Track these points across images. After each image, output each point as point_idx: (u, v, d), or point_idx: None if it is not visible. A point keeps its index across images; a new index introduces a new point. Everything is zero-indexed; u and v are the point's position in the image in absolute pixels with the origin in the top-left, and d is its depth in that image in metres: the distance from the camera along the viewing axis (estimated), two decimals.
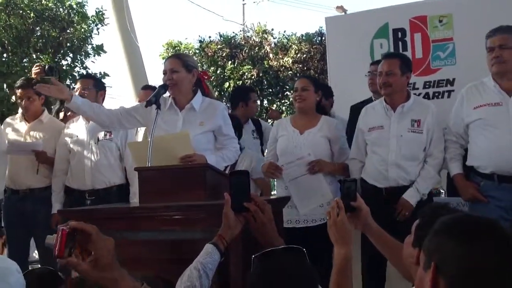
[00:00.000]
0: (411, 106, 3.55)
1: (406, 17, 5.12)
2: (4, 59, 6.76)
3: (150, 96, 3.27)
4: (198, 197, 2.63)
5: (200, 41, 11.10)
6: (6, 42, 6.64)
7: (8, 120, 4.61)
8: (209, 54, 10.84)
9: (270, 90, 10.78)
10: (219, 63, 10.76)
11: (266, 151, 4.17)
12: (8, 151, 4.32)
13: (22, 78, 5.04)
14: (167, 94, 3.37)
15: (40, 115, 4.50)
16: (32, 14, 6.94)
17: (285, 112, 10.39)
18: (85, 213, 2.92)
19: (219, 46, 10.85)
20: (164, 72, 3.32)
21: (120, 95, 10.27)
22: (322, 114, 3.92)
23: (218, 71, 10.69)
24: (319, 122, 3.82)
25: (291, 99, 10.38)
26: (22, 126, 4.47)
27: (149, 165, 2.94)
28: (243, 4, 23.81)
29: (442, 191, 4.51)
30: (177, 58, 3.44)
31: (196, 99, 3.36)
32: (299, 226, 3.71)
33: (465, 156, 3.51)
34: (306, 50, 10.39)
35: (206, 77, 3.67)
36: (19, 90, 4.43)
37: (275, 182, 6.68)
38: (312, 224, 3.69)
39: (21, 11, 6.89)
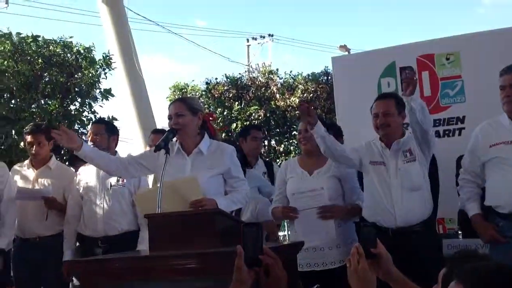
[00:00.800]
0: (404, 142, 3.53)
1: (413, 55, 5.12)
2: (12, 105, 6.80)
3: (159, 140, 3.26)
4: (209, 243, 2.57)
5: (207, 83, 11.19)
6: (14, 88, 6.70)
7: (16, 167, 4.59)
8: (216, 95, 10.90)
9: (278, 130, 10.79)
10: (226, 104, 10.82)
11: (274, 193, 4.09)
12: (17, 198, 4.29)
13: (31, 123, 5.05)
14: (174, 139, 3.34)
15: (48, 161, 4.48)
16: (40, 60, 7.02)
17: (292, 152, 10.36)
18: (95, 264, 2.86)
19: (225, 88, 10.93)
20: (170, 117, 3.29)
21: (131, 138, 10.28)
22: None
23: (225, 112, 10.74)
24: (327, 162, 3.77)
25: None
26: (30, 173, 4.45)
27: (159, 212, 2.89)
28: (248, 46, 24.21)
29: (459, 232, 4.41)
30: (182, 102, 3.41)
31: (204, 142, 3.33)
32: (318, 269, 3.62)
33: (482, 196, 3.44)
34: (312, 89, 10.44)
35: (211, 118, 3.64)
36: (29, 136, 4.42)
37: (285, 223, 6.65)
38: (332, 267, 3.59)
39: (29, 57, 6.98)
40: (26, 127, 4.66)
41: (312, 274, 3.63)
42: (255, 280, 2.02)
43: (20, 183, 4.41)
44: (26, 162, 4.55)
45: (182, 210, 2.93)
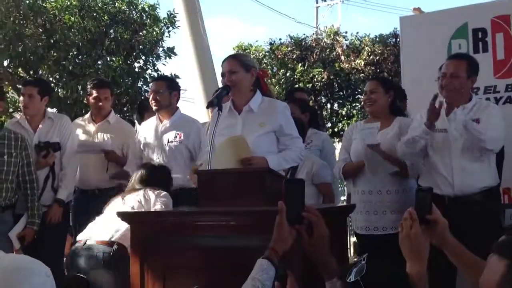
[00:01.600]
0: (472, 108, 3.37)
1: (488, 16, 4.80)
2: (78, 61, 6.93)
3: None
4: (257, 202, 2.53)
5: (271, 43, 11.03)
6: (80, 44, 6.80)
7: (77, 121, 4.70)
8: (279, 56, 10.74)
9: (341, 93, 10.56)
10: (289, 65, 10.64)
11: (338, 154, 4.03)
12: (78, 151, 4.40)
13: (95, 78, 5.14)
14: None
15: (107, 116, 4.56)
16: (105, 17, 7.09)
17: (355, 116, 10.11)
18: (144, 216, 2.89)
19: (289, 48, 10.73)
20: (223, 74, 3.22)
21: (193, 98, 10.35)
22: (398, 115, 3.74)
23: (288, 74, 10.58)
24: (392, 123, 3.66)
25: (362, 102, 10.11)
26: (91, 127, 4.55)
27: (209, 168, 2.87)
28: (317, 7, 23.65)
29: None
30: (235, 59, 3.34)
31: (255, 99, 3.23)
32: (377, 233, 3.56)
33: None
34: (379, 52, 10.09)
35: (265, 76, 3.56)
36: (95, 90, 4.50)
37: (345, 188, 6.54)
38: (392, 232, 3.48)
39: (95, 14, 7.05)
40: (90, 81, 4.75)
41: (370, 238, 3.59)
42: (296, 238, 1.96)
43: (81, 136, 4.52)
44: (87, 116, 4.65)
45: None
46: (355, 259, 1.87)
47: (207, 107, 3.15)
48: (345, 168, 3.76)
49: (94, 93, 4.51)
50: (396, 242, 3.37)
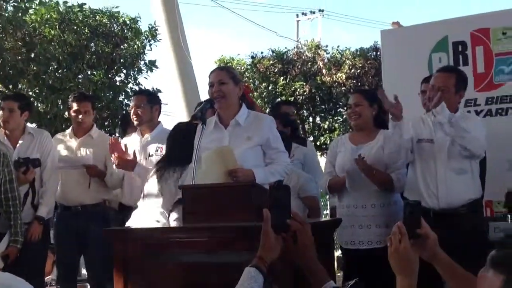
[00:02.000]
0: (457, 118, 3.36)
1: (467, 29, 4.87)
2: (58, 74, 6.85)
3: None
4: (243, 217, 2.51)
5: (252, 57, 11.04)
6: (61, 58, 6.73)
7: (58, 136, 4.63)
8: (261, 70, 10.74)
9: (323, 106, 10.58)
10: (271, 79, 10.64)
11: (324, 167, 4.03)
12: (59, 167, 4.34)
13: (76, 92, 5.07)
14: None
15: (90, 130, 4.50)
16: (86, 30, 7.03)
17: (337, 130, 10.14)
18: (128, 233, 2.85)
19: (271, 62, 10.74)
20: (211, 84, 3.19)
21: (174, 111, 10.31)
22: (382, 128, 3.73)
23: (270, 87, 10.58)
24: (377, 136, 3.66)
25: (344, 116, 10.19)
26: (73, 142, 4.48)
27: (193, 183, 2.84)
28: (297, 21, 23.84)
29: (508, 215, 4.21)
30: (225, 70, 3.35)
31: (241, 113, 3.22)
32: (363, 247, 3.54)
33: None
34: (360, 65, 10.14)
35: (249, 91, 3.56)
36: (76, 104, 4.43)
37: (327, 202, 6.53)
38: (378, 246, 3.48)
39: (75, 27, 6.99)
40: (71, 95, 4.69)
41: (355, 252, 3.57)
42: (283, 246, 1.94)
43: (63, 152, 4.45)
44: (68, 131, 4.59)
45: (218, 180, 2.85)
46: (348, 283, 1.86)
47: (191, 121, 3.12)
48: (330, 182, 3.75)
49: (75, 106, 4.44)
50: (382, 256, 3.39)
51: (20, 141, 4.22)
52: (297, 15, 23.95)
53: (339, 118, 10.38)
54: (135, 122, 4.28)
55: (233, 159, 2.91)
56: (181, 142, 3.45)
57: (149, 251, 2.56)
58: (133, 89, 7.61)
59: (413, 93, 4.66)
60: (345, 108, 10.12)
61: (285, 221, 1.90)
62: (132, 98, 4.45)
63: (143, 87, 7.59)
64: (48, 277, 5.40)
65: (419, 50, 5.06)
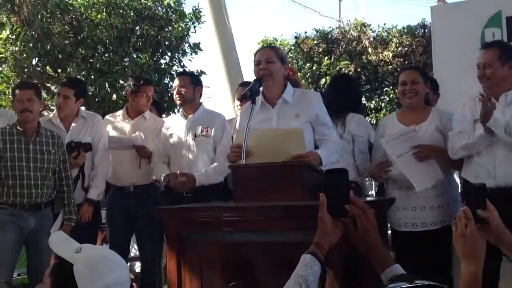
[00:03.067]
0: None
1: None
2: (105, 58, 6.95)
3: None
4: (295, 197, 2.49)
5: (296, 37, 10.91)
6: (107, 41, 6.83)
7: (109, 117, 4.68)
8: (305, 50, 10.62)
9: (369, 86, 10.38)
10: (315, 59, 10.50)
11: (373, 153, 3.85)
12: (109, 147, 4.40)
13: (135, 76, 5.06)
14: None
15: (143, 112, 4.55)
16: (132, 13, 7.10)
17: (384, 109, 9.95)
18: (178, 212, 2.86)
19: (315, 42, 10.60)
20: (258, 63, 3.16)
21: (218, 94, 10.35)
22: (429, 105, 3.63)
23: (314, 67, 10.45)
24: (429, 115, 3.54)
25: (391, 95, 10.00)
26: (125, 123, 4.53)
27: (244, 163, 2.82)
28: (339, 1, 23.54)
29: None
30: (272, 49, 3.33)
31: (288, 91, 3.20)
32: (417, 230, 3.45)
33: None
34: (407, 43, 9.88)
35: (293, 73, 3.51)
36: (144, 86, 4.49)
37: (373, 182, 6.41)
38: (432, 228, 3.41)
39: (121, 11, 7.06)
40: (132, 78, 4.71)
41: (411, 234, 3.48)
42: (343, 231, 1.89)
43: (114, 133, 4.51)
44: (121, 112, 4.63)
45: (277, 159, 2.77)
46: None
47: (240, 100, 3.10)
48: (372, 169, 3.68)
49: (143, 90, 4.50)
50: (436, 237, 3.31)
51: (73, 124, 4.30)
52: None
53: (385, 97, 10.18)
54: (178, 102, 4.32)
55: (302, 142, 2.85)
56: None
57: (200, 229, 2.57)
58: (178, 71, 7.64)
59: (464, 70, 4.54)
60: (391, 87, 9.94)
61: (343, 206, 1.85)
62: (175, 78, 4.43)
63: (187, 70, 7.62)
64: None
65: (471, 26, 4.93)
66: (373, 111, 10.04)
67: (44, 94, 6.59)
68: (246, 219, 2.50)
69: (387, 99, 10.05)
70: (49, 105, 7.03)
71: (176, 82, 4.33)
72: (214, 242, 2.54)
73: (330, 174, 1.94)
